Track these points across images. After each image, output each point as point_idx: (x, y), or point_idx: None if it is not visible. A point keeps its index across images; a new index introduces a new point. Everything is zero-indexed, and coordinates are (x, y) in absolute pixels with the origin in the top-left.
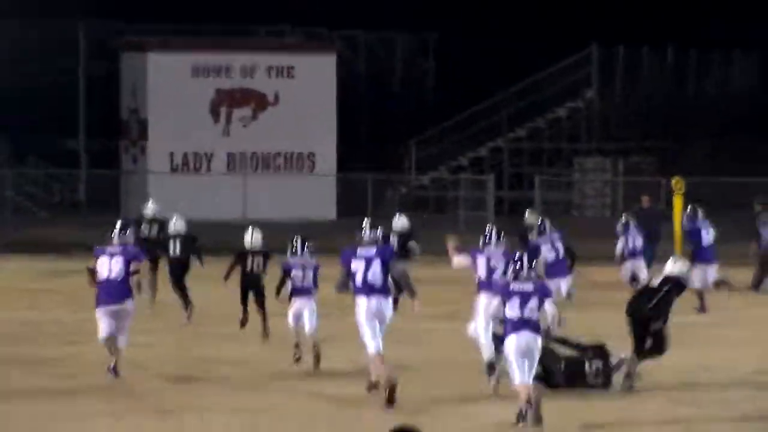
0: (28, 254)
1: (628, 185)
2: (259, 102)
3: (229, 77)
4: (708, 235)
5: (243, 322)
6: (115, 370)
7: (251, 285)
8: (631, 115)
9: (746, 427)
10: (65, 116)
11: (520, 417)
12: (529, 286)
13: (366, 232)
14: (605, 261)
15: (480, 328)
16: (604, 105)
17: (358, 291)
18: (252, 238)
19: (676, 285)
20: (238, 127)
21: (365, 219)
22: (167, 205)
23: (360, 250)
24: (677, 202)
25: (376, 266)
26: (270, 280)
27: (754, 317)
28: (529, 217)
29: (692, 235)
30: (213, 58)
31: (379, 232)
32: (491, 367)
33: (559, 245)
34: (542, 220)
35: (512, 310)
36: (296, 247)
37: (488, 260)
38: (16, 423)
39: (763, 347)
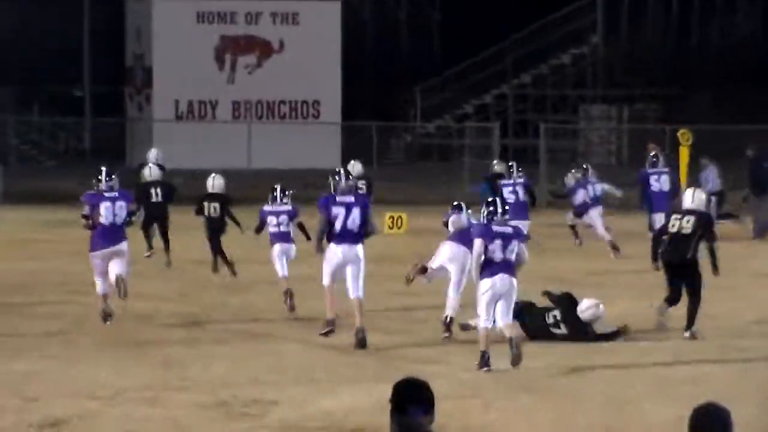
0: (32, 204)
1: (632, 133)
2: (263, 49)
3: (233, 24)
4: (659, 183)
5: (214, 268)
6: (109, 315)
7: (211, 229)
8: (635, 63)
9: (751, 372)
10: (69, 64)
11: (484, 362)
12: (508, 229)
13: (342, 180)
14: (609, 208)
15: (451, 287)
16: (608, 52)
17: (335, 237)
18: (212, 183)
19: (705, 223)
20: (243, 74)
21: (339, 167)
22: (172, 153)
23: (339, 197)
24: (683, 153)
25: (356, 213)
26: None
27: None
28: (498, 165)
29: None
30: (217, 4)
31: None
32: (449, 323)
33: (520, 189)
34: (511, 165)
35: (493, 253)
36: (276, 194)
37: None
38: (16, 374)
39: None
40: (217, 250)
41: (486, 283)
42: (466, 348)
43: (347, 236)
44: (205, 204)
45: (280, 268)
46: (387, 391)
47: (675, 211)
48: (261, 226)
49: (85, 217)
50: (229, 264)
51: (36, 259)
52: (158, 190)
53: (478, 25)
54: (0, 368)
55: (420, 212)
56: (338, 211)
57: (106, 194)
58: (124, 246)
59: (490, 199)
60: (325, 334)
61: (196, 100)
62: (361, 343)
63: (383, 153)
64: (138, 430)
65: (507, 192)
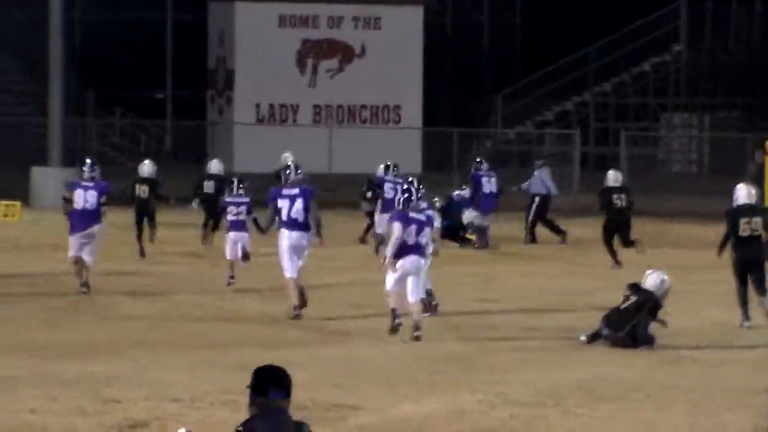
0: (113, 206)
1: (713, 141)
2: (345, 54)
3: (315, 28)
4: (489, 184)
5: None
6: (86, 285)
7: (140, 210)
8: (718, 71)
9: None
10: (151, 67)
11: (394, 330)
12: (421, 216)
13: (292, 173)
14: (690, 217)
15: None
16: (691, 60)
17: (282, 224)
18: (143, 168)
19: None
20: (325, 78)
21: (290, 160)
22: (253, 156)
23: (285, 190)
24: None
25: (299, 204)
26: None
27: None
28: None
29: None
30: (300, 7)
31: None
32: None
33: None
34: (481, 160)
35: (408, 237)
36: (233, 186)
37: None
38: (95, 376)
39: None
40: (141, 229)
41: (403, 263)
42: (543, 357)
43: (293, 224)
44: (136, 186)
45: (230, 252)
46: (465, 400)
47: (740, 213)
48: (221, 214)
49: (65, 200)
50: (141, 243)
51: (112, 261)
52: (144, 186)
53: (560, 32)
54: (79, 370)
55: (498, 218)
56: (283, 203)
57: (83, 183)
58: (95, 229)
59: (406, 188)
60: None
61: (278, 104)
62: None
63: (463, 159)
64: None
65: (484, 181)
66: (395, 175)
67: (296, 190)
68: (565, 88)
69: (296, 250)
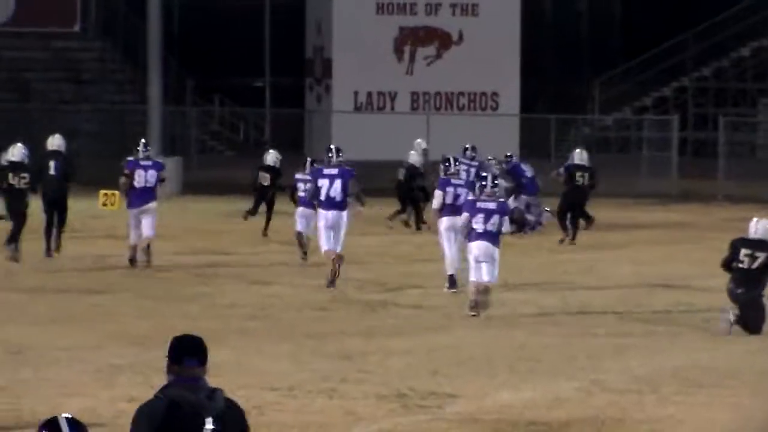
0: (212, 194)
1: None
2: (443, 41)
3: (413, 15)
4: (528, 169)
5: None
6: (134, 260)
7: (260, 196)
8: None
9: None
10: (250, 55)
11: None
12: (491, 204)
13: (333, 156)
14: None
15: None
16: None
17: (320, 204)
18: (268, 156)
19: None
20: (422, 65)
21: (331, 145)
22: (350, 144)
23: (326, 170)
24: None
25: (337, 184)
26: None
27: None
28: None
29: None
30: None
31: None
32: (452, 281)
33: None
34: (511, 155)
35: (477, 224)
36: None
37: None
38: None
39: None
40: (255, 213)
41: (471, 246)
42: (640, 343)
43: (331, 203)
44: (259, 173)
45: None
46: (563, 387)
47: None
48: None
49: (126, 176)
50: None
51: (215, 249)
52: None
53: (659, 17)
54: None
55: (598, 206)
56: (323, 182)
57: (142, 162)
58: (152, 205)
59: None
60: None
61: (375, 92)
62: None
63: (561, 145)
64: (316, 421)
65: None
66: (472, 158)
67: (335, 171)
68: (664, 74)
69: (333, 228)
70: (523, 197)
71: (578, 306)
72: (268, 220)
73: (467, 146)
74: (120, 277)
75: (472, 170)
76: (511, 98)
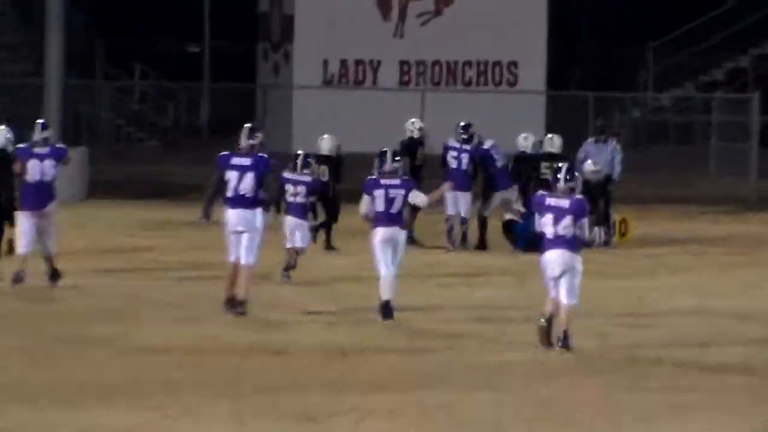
0: (129, 199)
1: None
2: None
3: None
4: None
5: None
6: (19, 279)
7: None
8: None
9: None
10: (182, 10)
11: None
12: (563, 202)
13: (243, 139)
14: None
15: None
16: None
17: (226, 201)
18: (323, 143)
19: None
20: (415, 25)
21: (248, 125)
22: (318, 130)
23: (235, 158)
24: None
25: (249, 177)
26: None
27: None
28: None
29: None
30: None
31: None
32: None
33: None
34: (470, 127)
35: (546, 226)
36: (297, 162)
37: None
38: (106, 430)
39: None
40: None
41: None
42: (707, 402)
43: (237, 200)
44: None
45: (25, 243)
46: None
47: None
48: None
49: (13, 173)
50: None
51: (134, 273)
52: None
53: None
54: (84, 422)
55: (651, 213)
56: (231, 174)
57: (36, 150)
58: (52, 207)
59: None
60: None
61: (352, 60)
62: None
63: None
64: None
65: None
66: (464, 140)
67: (248, 160)
68: (739, 38)
69: (240, 232)
70: (498, 195)
71: (623, 349)
72: (330, 228)
73: (462, 124)
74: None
75: (465, 157)
76: (535, 70)
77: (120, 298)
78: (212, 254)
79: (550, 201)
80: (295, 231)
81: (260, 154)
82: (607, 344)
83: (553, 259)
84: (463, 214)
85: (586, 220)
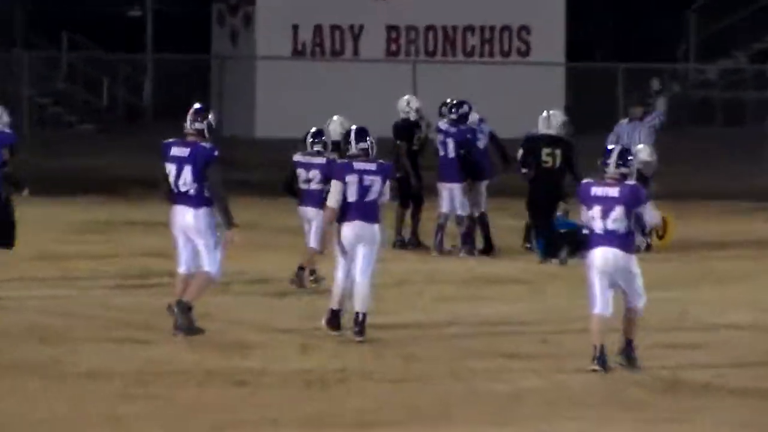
0: (56, 195)
1: None
2: None
3: None
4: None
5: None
6: None
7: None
8: None
9: None
10: None
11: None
12: (612, 190)
13: (188, 122)
14: None
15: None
16: None
17: (171, 197)
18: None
19: None
20: None
21: (197, 105)
22: (286, 112)
23: (174, 148)
24: None
25: (188, 170)
26: None
27: None
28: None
29: None
30: None
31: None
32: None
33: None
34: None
35: (593, 220)
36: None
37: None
38: None
39: None
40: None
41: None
42: None
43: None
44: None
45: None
46: None
47: None
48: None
49: None
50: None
51: (68, 285)
52: None
53: None
54: None
55: (694, 211)
56: (171, 168)
57: None
58: None
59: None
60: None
61: (327, 26)
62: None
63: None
64: None
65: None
66: (453, 121)
67: (186, 150)
68: None
69: (187, 235)
70: (483, 185)
71: (666, 375)
72: (417, 218)
73: (448, 101)
74: None
75: (450, 142)
76: (551, 37)
77: (53, 315)
78: (161, 262)
79: (597, 190)
80: (312, 223)
81: (201, 143)
82: (643, 368)
83: (602, 259)
84: (458, 212)
85: (648, 206)
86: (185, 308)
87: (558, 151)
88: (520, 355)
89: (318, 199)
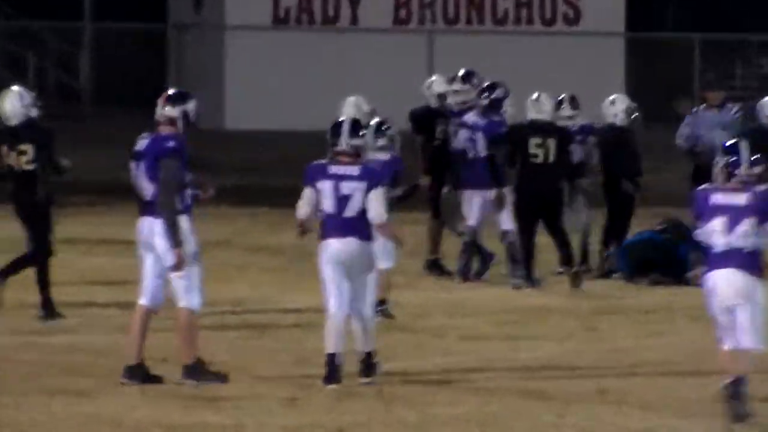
0: None
1: None
2: None
3: None
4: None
5: None
6: None
7: None
8: None
9: None
10: None
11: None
12: (735, 198)
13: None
14: None
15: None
16: None
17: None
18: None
19: None
20: None
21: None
22: (266, 98)
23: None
24: None
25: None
26: None
27: None
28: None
29: None
30: None
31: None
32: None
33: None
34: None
35: (715, 234)
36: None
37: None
38: None
39: None
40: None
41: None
42: None
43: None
44: None
45: None
46: None
47: None
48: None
49: None
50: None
51: None
52: None
53: None
54: None
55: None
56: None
57: None
58: None
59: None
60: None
61: None
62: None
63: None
64: None
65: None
66: (486, 107)
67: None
68: None
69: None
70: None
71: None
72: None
73: (464, 71)
74: None
75: (480, 138)
76: (606, 3)
77: None
78: (107, 290)
79: (718, 198)
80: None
81: (162, 134)
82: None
83: (725, 282)
84: (504, 226)
85: None
86: (190, 370)
87: (551, 141)
88: (570, 412)
89: None
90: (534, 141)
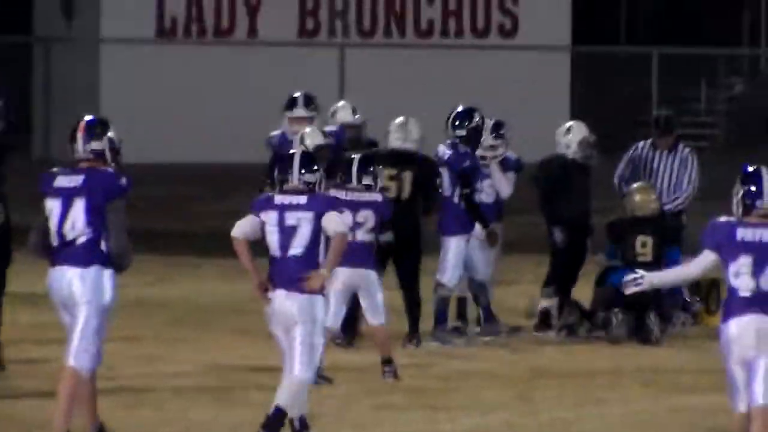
0: None
1: None
2: None
3: None
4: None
5: None
6: None
7: None
8: None
9: None
10: None
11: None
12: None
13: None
14: None
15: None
16: None
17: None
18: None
19: None
20: None
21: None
22: (150, 120)
23: (60, 178)
24: None
25: (78, 209)
26: None
27: None
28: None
29: None
30: None
31: None
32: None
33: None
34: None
35: (737, 276)
36: (353, 168)
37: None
38: None
39: None
40: None
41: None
42: None
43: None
44: None
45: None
46: None
47: None
48: None
49: None
50: None
51: None
52: None
53: None
54: None
55: None
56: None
57: None
58: None
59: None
60: None
61: None
62: None
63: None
64: None
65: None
66: (462, 137)
67: (79, 179)
68: None
69: (67, 308)
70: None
71: None
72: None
73: (458, 111)
74: None
75: (446, 174)
76: (550, 9)
77: None
78: (32, 348)
79: (745, 233)
80: (361, 289)
81: (102, 168)
82: None
83: (747, 330)
84: (479, 277)
85: None
86: None
87: (407, 174)
88: None
89: (367, 256)
90: (387, 172)
